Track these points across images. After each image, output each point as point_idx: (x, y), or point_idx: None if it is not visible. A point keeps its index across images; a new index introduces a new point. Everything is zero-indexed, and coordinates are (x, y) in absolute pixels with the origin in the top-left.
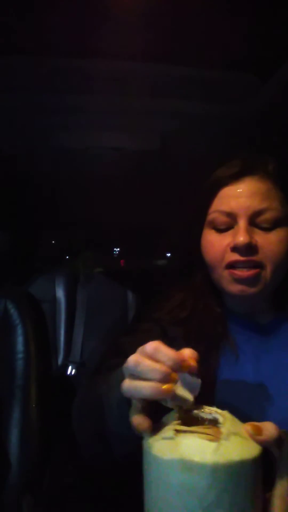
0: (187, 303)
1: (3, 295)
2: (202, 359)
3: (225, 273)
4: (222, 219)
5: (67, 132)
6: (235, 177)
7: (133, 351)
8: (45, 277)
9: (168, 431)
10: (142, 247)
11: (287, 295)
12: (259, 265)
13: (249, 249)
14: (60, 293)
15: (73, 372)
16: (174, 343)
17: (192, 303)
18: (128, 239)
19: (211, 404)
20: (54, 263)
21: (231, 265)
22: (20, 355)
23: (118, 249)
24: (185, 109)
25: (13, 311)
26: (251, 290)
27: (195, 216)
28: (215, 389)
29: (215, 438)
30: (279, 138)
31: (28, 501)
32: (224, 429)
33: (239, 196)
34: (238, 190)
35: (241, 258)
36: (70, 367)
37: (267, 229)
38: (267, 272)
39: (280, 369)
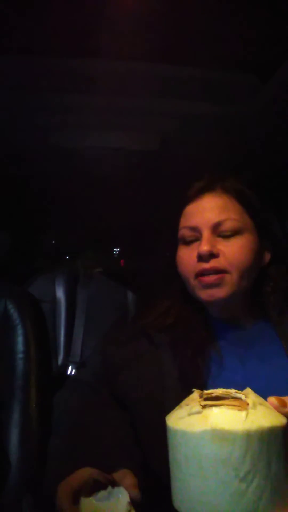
0: (172, 310)
1: (3, 295)
2: (189, 364)
3: (196, 282)
4: (189, 234)
5: (67, 132)
6: (197, 195)
7: (117, 361)
8: (45, 277)
9: (194, 407)
10: (142, 247)
11: (265, 300)
12: (224, 271)
13: (212, 256)
14: (60, 293)
15: (73, 372)
16: (160, 349)
17: (176, 310)
18: (128, 239)
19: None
20: (54, 263)
21: (200, 274)
22: (20, 355)
23: (118, 249)
24: (185, 109)
25: (13, 311)
26: (219, 294)
27: (169, 234)
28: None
29: (242, 408)
30: (279, 138)
31: (28, 501)
32: (249, 400)
33: (201, 211)
34: (200, 206)
35: (207, 266)
36: (70, 367)
37: (228, 237)
38: (233, 276)
39: (266, 372)
